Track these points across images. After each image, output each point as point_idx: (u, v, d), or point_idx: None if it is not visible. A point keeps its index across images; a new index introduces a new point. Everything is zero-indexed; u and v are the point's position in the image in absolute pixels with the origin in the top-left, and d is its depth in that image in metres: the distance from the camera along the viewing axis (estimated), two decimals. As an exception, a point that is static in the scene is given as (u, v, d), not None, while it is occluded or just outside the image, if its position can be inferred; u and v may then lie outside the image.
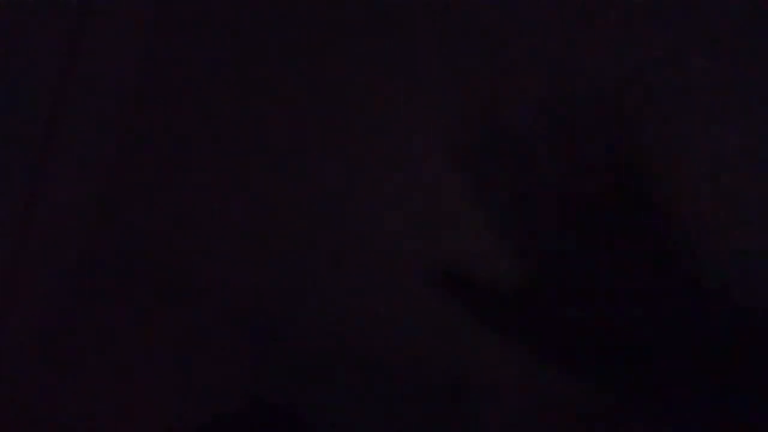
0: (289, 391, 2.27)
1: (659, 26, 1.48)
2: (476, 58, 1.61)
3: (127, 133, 1.93)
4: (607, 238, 1.38)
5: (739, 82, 1.40)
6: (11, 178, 1.13)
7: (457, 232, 2.14)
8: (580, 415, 2.57)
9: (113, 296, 2.20)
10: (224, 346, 2.24)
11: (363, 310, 2.41)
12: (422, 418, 2.34)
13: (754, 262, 1.49)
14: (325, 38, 1.76)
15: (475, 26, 1.66)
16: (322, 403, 2.31)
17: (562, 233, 1.30)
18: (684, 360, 1.43)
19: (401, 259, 2.32)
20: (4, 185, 1.11)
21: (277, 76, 1.84)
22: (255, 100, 1.89)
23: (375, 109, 1.87)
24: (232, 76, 1.82)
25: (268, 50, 1.78)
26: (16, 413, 1.79)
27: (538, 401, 2.56)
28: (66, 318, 2.13)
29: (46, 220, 1.47)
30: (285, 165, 2.03)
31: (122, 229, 2.22)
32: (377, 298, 2.44)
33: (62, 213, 1.66)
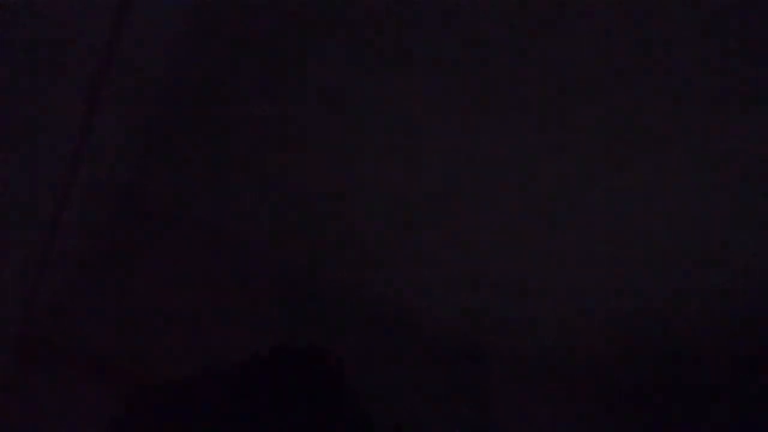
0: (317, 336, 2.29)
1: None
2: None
3: (155, 133, 2.00)
4: None
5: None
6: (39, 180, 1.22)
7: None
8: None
9: (149, 236, 2.22)
10: (259, 292, 2.25)
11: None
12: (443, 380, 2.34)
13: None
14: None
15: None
16: (348, 357, 2.32)
17: None
18: None
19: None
20: (32, 186, 1.20)
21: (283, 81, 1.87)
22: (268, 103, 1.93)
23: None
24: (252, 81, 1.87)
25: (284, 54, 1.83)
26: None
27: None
28: (101, 254, 2.15)
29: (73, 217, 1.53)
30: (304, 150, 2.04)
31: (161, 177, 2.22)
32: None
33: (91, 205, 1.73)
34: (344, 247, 2.49)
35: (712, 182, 2.04)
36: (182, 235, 2.44)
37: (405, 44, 1.75)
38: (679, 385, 2.97)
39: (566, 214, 2.26)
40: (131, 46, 1.29)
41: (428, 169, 2.14)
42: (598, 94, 1.84)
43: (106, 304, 2.15)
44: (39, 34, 0.98)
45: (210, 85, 1.93)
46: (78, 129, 1.32)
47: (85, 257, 2.22)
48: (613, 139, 1.97)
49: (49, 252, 1.57)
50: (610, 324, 2.73)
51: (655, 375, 3.00)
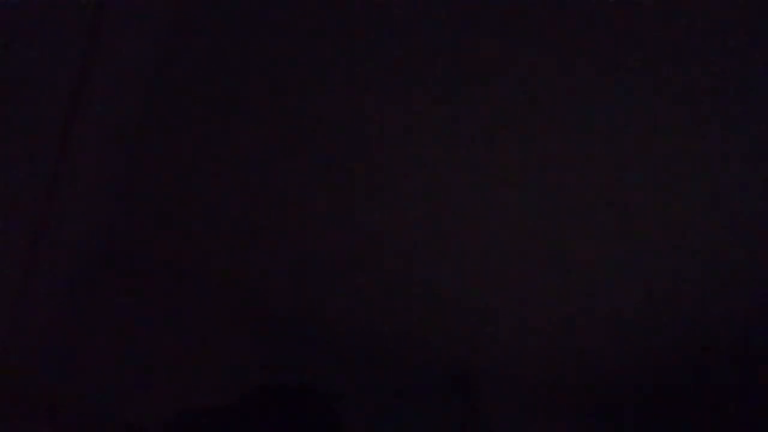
0: (302, 375, 2.26)
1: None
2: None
3: (141, 133, 1.96)
4: None
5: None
6: (31, 175, 1.15)
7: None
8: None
9: (129, 286, 2.20)
10: (238, 333, 2.24)
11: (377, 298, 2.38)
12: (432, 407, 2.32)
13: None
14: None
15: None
16: (335, 390, 2.30)
17: None
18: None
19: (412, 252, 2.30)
20: (24, 182, 1.13)
21: (273, 79, 1.85)
22: (261, 101, 1.91)
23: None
24: (244, 76, 1.84)
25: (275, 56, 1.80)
26: (32, 399, 1.80)
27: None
28: (83, 307, 2.14)
29: (63, 216, 1.49)
30: (289, 163, 2.03)
31: (141, 222, 2.22)
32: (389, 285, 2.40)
33: (79, 208, 1.68)
34: (328, 278, 2.47)
35: (712, 184, 2.04)
36: (166, 276, 2.42)
37: (400, 48, 1.73)
38: (676, 400, 2.97)
39: (556, 235, 2.25)
40: (110, 51, 1.24)
41: (414, 195, 2.13)
42: (598, 102, 1.84)
43: (89, 349, 2.11)
44: (16, 43, 0.93)
45: (189, 102, 1.89)
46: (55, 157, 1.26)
47: (64, 303, 2.18)
48: (606, 150, 1.96)
49: (26, 295, 1.51)
50: (602, 344, 2.72)
51: (649, 398, 2.99)
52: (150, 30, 1.46)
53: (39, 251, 1.46)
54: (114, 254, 2.37)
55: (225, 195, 2.19)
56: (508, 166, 2.05)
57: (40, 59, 0.94)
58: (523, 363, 2.86)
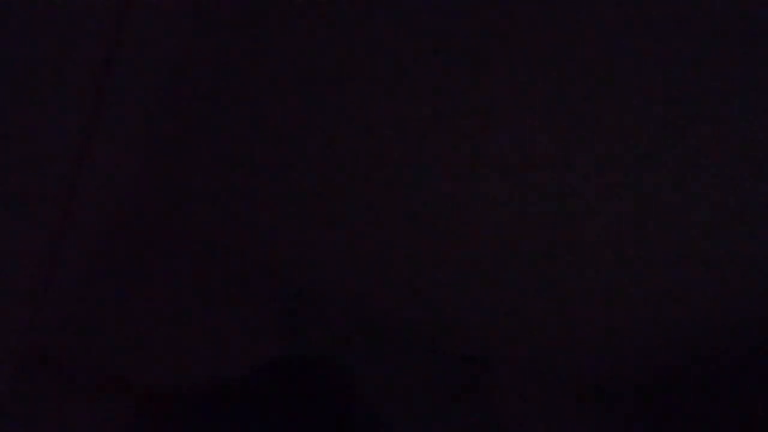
0: (321, 348, 2.29)
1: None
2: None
3: (161, 130, 2.00)
4: None
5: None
6: (50, 174, 1.21)
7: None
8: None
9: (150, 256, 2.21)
10: (264, 305, 2.25)
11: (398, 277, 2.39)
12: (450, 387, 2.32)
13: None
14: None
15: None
16: (354, 365, 2.32)
17: None
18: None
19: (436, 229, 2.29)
20: (43, 182, 1.19)
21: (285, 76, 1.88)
22: (272, 96, 1.94)
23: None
24: (260, 76, 1.88)
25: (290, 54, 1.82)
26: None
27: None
28: (107, 281, 2.16)
29: (83, 209, 1.53)
30: (304, 149, 2.05)
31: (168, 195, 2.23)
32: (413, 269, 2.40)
33: (98, 205, 1.73)
34: (348, 257, 2.49)
35: (712, 184, 2.04)
36: (185, 247, 2.45)
37: (403, 40, 1.76)
38: (683, 387, 2.97)
39: (569, 222, 2.26)
40: (132, 50, 1.29)
41: (431, 175, 2.14)
42: (610, 96, 1.84)
43: (110, 318, 2.15)
44: (40, 41, 0.98)
45: (210, 89, 1.93)
46: (78, 141, 1.32)
47: (88, 273, 2.22)
48: (620, 144, 1.97)
49: (53, 267, 1.56)
50: (615, 329, 2.74)
51: (659, 378, 3.00)
52: (172, 30, 1.50)
53: (66, 225, 1.50)
54: (136, 229, 2.40)
55: (245, 176, 2.23)
56: (516, 160, 2.06)
57: (56, 61, 0.99)
58: (538, 348, 2.88)
